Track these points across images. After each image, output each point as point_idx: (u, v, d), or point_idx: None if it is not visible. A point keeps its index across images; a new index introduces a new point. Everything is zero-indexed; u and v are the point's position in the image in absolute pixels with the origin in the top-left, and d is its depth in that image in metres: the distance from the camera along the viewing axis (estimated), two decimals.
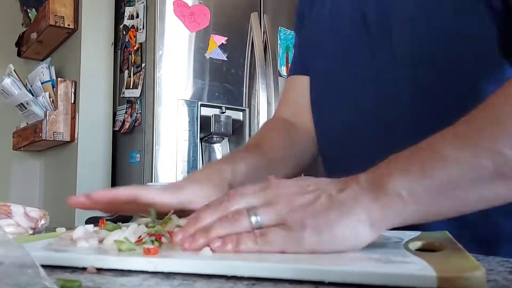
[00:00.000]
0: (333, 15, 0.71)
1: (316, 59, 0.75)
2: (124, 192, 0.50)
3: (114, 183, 1.93)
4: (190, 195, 0.51)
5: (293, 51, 0.89)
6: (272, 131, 0.76)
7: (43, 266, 0.37)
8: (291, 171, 0.73)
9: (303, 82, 0.78)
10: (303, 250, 0.37)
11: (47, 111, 1.86)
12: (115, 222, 0.79)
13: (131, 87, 1.82)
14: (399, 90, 0.59)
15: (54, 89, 1.91)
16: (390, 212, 0.38)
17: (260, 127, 0.77)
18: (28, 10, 2.23)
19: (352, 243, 0.37)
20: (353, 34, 0.66)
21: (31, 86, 1.97)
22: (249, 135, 1.87)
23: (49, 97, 1.92)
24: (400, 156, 0.40)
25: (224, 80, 1.83)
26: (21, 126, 2.15)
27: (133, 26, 1.84)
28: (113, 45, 1.96)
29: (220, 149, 1.86)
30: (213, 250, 0.37)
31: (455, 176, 0.37)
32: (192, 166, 1.70)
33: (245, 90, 1.89)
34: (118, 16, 1.96)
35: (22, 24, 2.40)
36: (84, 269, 0.36)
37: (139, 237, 0.42)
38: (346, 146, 0.67)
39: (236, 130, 1.85)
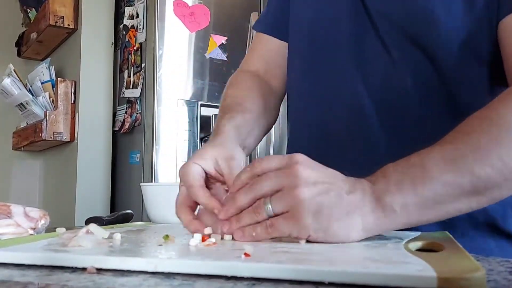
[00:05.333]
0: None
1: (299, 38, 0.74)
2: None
3: (114, 183, 1.94)
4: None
5: (267, 4, 0.85)
6: (251, 91, 0.76)
7: (43, 267, 0.37)
8: (267, 125, 0.77)
9: (273, 43, 0.80)
10: (303, 236, 0.43)
11: (47, 111, 1.86)
12: (115, 223, 0.79)
13: (131, 87, 1.82)
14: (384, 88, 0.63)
15: (54, 89, 1.91)
16: (383, 223, 0.45)
17: (232, 79, 0.80)
18: (28, 10, 2.23)
19: (342, 239, 0.44)
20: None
21: (31, 86, 1.97)
22: None
23: (49, 97, 1.92)
24: (394, 170, 0.46)
25: (224, 80, 1.83)
26: (21, 126, 2.15)
27: (133, 26, 1.84)
28: (113, 45, 1.96)
29: None
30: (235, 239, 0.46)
31: (440, 195, 0.45)
32: None
33: None
34: (118, 16, 1.97)
35: (22, 24, 2.41)
36: (84, 269, 0.36)
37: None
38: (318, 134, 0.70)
39: None
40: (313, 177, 0.44)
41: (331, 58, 0.68)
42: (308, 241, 0.44)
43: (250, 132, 0.68)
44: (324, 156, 0.53)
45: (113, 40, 1.96)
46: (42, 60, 2.23)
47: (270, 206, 0.45)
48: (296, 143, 0.75)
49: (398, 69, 0.61)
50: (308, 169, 0.45)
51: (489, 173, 0.44)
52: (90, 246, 0.41)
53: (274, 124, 0.81)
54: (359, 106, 0.63)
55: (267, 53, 0.81)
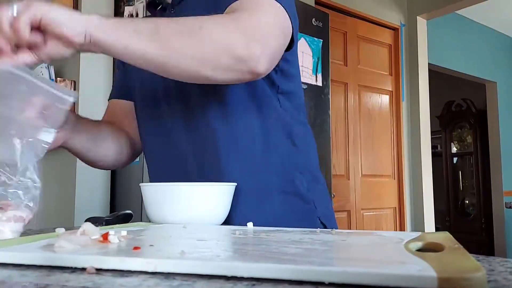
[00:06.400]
0: None
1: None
2: None
3: (114, 183, 1.93)
4: None
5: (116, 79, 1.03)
6: (104, 123, 0.95)
7: (43, 267, 0.37)
8: (108, 154, 0.91)
9: (121, 103, 0.96)
10: (37, 13, 0.56)
11: None
12: (115, 223, 0.79)
13: None
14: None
15: None
16: (97, 24, 0.61)
17: None
18: None
19: (63, 18, 0.58)
20: None
21: None
22: None
23: None
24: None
25: None
26: None
27: None
28: None
29: None
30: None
31: (137, 29, 0.61)
32: None
33: None
34: (118, 16, 1.96)
35: None
36: (83, 269, 0.36)
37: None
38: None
39: None
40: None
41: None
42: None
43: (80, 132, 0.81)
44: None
45: None
46: None
47: (14, 8, 0.55)
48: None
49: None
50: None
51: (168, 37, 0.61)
52: (71, 248, 0.40)
53: (119, 163, 0.95)
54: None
55: (117, 112, 0.96)
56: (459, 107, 5.22)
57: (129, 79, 0.93)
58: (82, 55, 1.89)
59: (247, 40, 0.62)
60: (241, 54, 0.61)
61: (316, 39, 2.42)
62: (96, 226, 0.48)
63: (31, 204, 0.57)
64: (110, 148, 0.89)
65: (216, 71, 0.63)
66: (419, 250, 0.41)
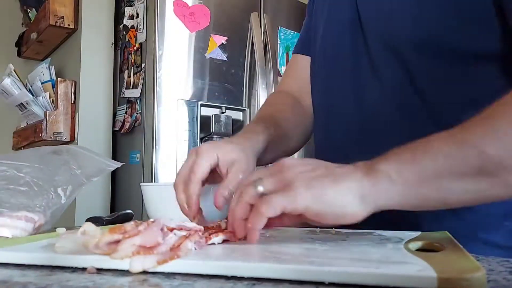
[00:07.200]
0: (331, 11, 0.75)
1: (316, 46, 0.79)
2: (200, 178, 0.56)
3: (114, 183, 1.94)
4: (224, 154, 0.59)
5: (302, 28, 0.92)
6: (283, 105, 0.82)
7: (43, 267, 0.37)
8: (297, 144, 0.82)
9: (305, 61, 0.84)
10: (300, 207, 0.41)
11: (47, 111, 1.86)
12: (115, 223, 0.79)
13: (131, 87, 1.82)
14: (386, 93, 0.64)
15: (54, 89, 1.91)
16: (379, 189, 0.41)
17: (268, 99, 0.87)
18: (28, 10, 2.23)
19: (340, 209, 0.41)
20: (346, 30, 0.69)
21: (31, 86, 1.97)
22: None
23: (49, 97, 1.92)
24: (398, 148, 0.43)
25: (224, 80, 1.83)
26: (21, 126, 2.14)
27: (133, 26, 1.84)
28: (113, 45, 1.96)
29: None
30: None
31: (442, 166, 0.40)
32: None
33: (245, 90, 1.89)
34: (118, 16, 1.96)
35: (22, 24, 2.40)
36: (84, 269, 0.36)
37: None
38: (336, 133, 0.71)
39: (236, 130, 1.85)
40: (301, 162, 0.46)
41: (334, 76, 0.72)
42: (309, 225, 0.45)
43: (274, 147, 0.70)
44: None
45: (113, 40, 1.96)
46: (42, 60, 2.23)
47: (261, 187, 0.44)
48: (319, 151, 0.78)
49: (385, 97, 0.62)
50: (296, 160, 0.47)
51: (501, 153, 0.39)
52: (71, 247, 0.40)
53: (306, 142, 0.85)
54: (351, 130, 0.66)
55: (300, 71, 0.85)
56: None
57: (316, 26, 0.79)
58: (82, 55, 1.89)
59: None
60: None
61: None
62: (97, 226, 0.48)
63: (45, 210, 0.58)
64: (296, 141, 0.81)
65: None
66: (418, 250, 0.41)
